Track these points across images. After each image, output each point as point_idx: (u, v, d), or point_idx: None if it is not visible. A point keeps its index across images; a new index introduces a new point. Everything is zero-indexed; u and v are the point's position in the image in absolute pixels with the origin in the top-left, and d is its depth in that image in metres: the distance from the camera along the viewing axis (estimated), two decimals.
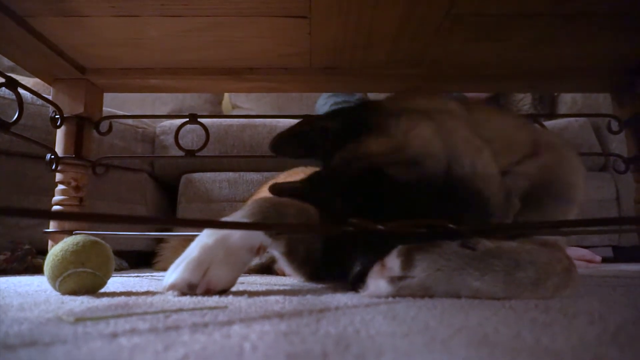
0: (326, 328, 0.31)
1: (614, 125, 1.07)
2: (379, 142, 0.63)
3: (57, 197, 0.96)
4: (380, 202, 0.59)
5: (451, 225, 0.55)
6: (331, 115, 0.72)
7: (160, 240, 1.40)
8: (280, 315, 0.35)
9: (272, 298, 0.49)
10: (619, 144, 1.69)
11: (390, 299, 0.47)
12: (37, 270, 1.15)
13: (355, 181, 0.62)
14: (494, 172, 0.62)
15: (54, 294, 0.56)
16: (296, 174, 1.20)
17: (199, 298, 0.50)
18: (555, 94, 2.21)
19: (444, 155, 0.60)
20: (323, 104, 1.86)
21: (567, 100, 2.12)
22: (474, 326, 0.31)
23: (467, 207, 0.58)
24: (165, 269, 0.69)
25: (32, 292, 0.59)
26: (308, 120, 0.72)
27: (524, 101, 2.27)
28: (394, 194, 0.58)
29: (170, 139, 1.72)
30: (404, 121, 0.64)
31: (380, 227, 0.57)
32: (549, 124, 1.72)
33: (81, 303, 0.47)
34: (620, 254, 1.85)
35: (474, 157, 0.61)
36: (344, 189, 0.63)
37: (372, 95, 2.12)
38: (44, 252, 1.00)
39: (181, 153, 1.04)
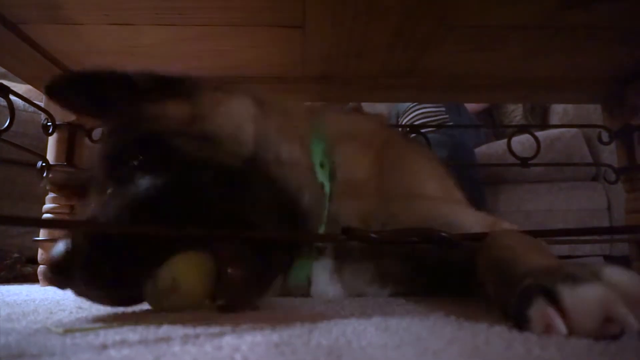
0: (318, 339, 0.31)
1: (605, 136, 1.09)
2: (178, 106, 0.55)
3: (47, 205, 0.95)
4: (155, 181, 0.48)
5: (443, 234, 0.56)
6: (143, 72, 0.59)
7: None
8: (272, 326, 0.35)
9: (263, 308, 0.49)
10: (609, 154, 1.71)
11: (381, 309, 0.47)
12: (26, 278, 1.13)
13: (131, 148, 0.51)
14: (304, 162, 0.60)
15: (42, 304, 0.55)
16: None
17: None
18: (547, 104, 2.23)
19: (251, 140, 0.55)
20: None
21: (559, 111, 2.15)
22: (466, 338, 0.31)
23: (266, 197, 0.54)
24: None
25: (20, 301, 0.59)
26: (108, 69, 0.57)
27: (516, 112, 2.29)
28: (175, 171, 0.49)
29: None
30: (218, 95, 0.58)
31: (373, 235, 0.57)
32: (541, 134, 1.74)
33: (70, 313, 0.46)
34: (612, 264, 1.86)
35: (284, 146, 0.58)
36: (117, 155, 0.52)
37: (365, 105, 2.13)
38: (33, 261, 0.99)
39: None
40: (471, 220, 0.63)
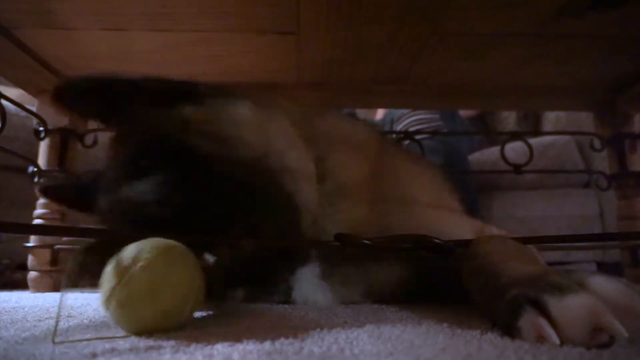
0: (310, 347, 0.31)
1: (597, 143, 1.10)
2: (192, 110, 0.58)
3: (38, 211, 0.94)
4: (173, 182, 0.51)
5: (437, 240, 0.56)
6: (149, 78, 0.59)
7: None
8: (264, 334, 0.35)
9: (255, 315, 0.49)
10: (601, 161, 1.72)
11: (374, 316, 0.47)
12: (16, 285, 1.12)
13: (148, 149, 0.55)
14: (308, 170, 0.62)
15: (32, 312, 0.54)
16: None
17: None
18: (540, 111, 2.25)
19: (258, 143, 0.58)
20: None
21: (552, 118, 2.17)
22: (459, 345, 0.31)
23: (269, 203, 0.56)
24: None
25: (9, 309, 0.58)
26: (115, 74, 0.56)
27: (509, 118, 2.31)
28: (190, 172, 0.52)
29: None
30: (226, 99, 0.61)
31: (366, 242, 0.57)
32: (534, 141, 1.74)
33: (60, 322, 0.45)
34: (604, 271, 1.87)
35: (288, 151, 0.60)
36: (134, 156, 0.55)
37: (360, 112, 2.14)
38: (23, 267, 0.98)
39: None
40: (460, 228, 0.63)
